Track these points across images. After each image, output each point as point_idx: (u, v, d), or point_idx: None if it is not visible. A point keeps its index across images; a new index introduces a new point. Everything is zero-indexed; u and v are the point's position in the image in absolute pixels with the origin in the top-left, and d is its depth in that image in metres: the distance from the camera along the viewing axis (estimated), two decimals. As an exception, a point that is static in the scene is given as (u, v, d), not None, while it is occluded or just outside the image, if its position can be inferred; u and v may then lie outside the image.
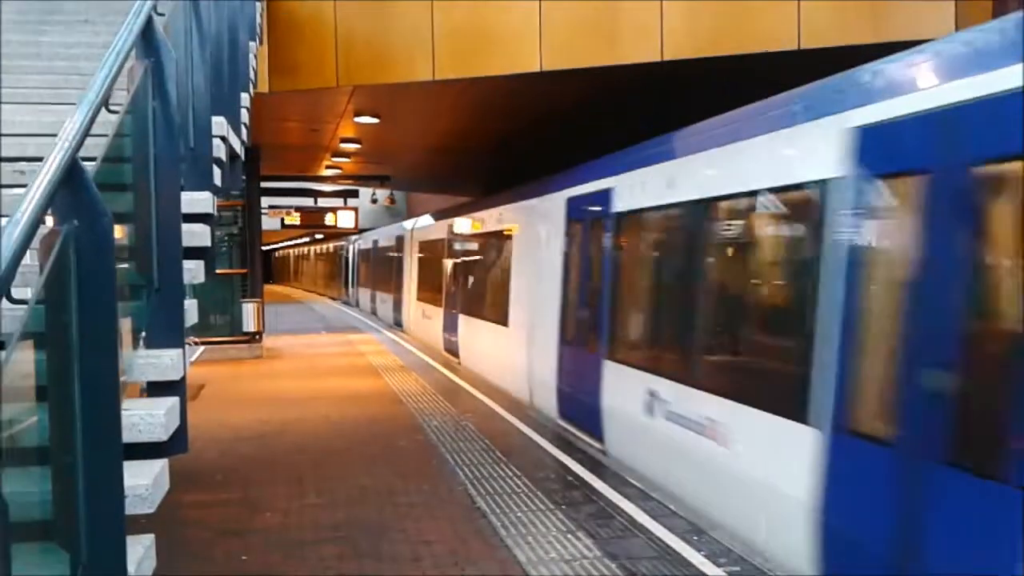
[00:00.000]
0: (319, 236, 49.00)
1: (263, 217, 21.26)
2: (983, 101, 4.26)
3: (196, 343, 16.23)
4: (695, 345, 7.44)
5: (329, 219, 30.18)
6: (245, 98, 7.15)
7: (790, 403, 5.56)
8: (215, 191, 4.96)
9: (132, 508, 2.90)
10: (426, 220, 22.46)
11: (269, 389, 13.59)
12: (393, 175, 25.17)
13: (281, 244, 68.84)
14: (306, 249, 63.16)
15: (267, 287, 23.12)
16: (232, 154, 6.15)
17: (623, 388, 8.60)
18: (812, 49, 10.57)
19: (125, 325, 3.33)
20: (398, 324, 24.72)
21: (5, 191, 4.34)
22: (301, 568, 5.80)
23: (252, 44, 8.32)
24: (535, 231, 12.15)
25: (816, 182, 5.61)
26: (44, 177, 2.49)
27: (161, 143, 3.75)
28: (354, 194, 32.98)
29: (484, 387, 13.25)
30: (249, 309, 17.12)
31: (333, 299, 43.19)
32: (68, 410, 2.52)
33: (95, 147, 3.14)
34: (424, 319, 20.72)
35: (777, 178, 6.22)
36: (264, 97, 10.68)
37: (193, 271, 4.22)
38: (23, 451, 2.56)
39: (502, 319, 13.49)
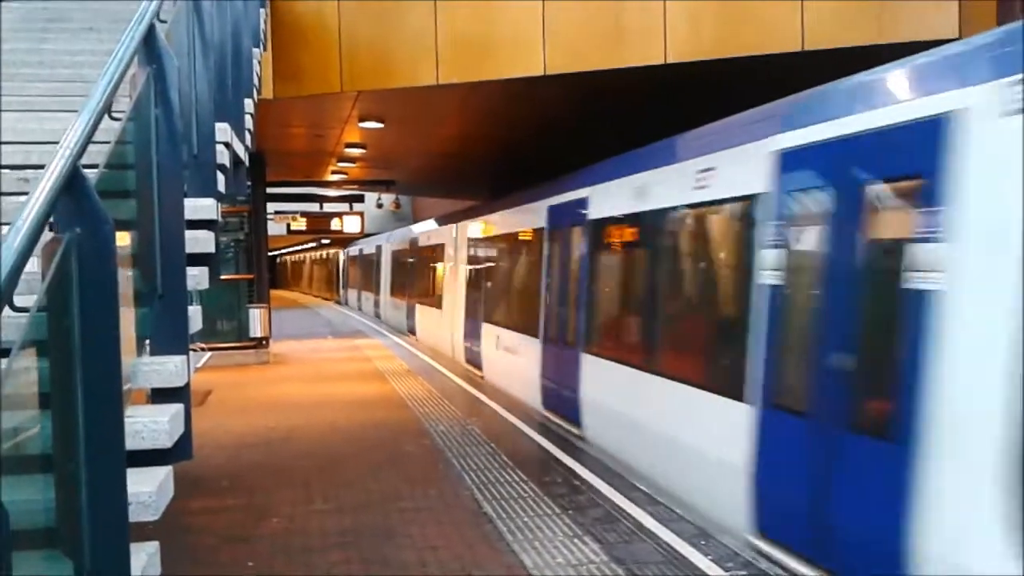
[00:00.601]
0: (325, 241, 49.21)
1: (269, 222, 21.32)
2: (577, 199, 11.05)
3: (203, 349, 16.26)
4: (508, 308, 14.39)
5: (335, 224, 30.25)
6: (249, 104, 7.15)
7: (533, 330, 12.13)
8: (219, 197, 4.96)
9: (136, 515, 2.89)
10: (395, 235, 29.77)
11: (276, 395, 13.61)
12: (398, 180, 25.16)
13: (284, 250, 69.28)
14: (304, 256, 65.72)
15: (272, 292, 23.24)
16: (236, 160, 6.15)
17: (489, 337, 14.92)
18: (816, 50, 10.54)
19: (129, 332, 3.33)
20: (378, 316, 31.09)
21: (9, 199, 4.35)
22: (307, 574, 5.80)
23: (256, 50, 8.32)
24: (455, 245, 18.83)
25: (538, 229, 12.51)
26: (45, 185, 2.48)
27: (164, 150, 3.74)
28: (360, 199, 33.06)
29: (489, 391, 13.26)
30: (256, 315, 17.14)
31: (326, 299, 46.27)
32: (71, 417, 2.52)
33: (98, 154, 3.14)
34: (395, 310, 27.42)
35: (529, 225, 13.09)
36: (269, 103, 10.68)
37: (197, 277, 4.22)
38: (26, 459, 2.55)
39: (439, 305, 19.89)
